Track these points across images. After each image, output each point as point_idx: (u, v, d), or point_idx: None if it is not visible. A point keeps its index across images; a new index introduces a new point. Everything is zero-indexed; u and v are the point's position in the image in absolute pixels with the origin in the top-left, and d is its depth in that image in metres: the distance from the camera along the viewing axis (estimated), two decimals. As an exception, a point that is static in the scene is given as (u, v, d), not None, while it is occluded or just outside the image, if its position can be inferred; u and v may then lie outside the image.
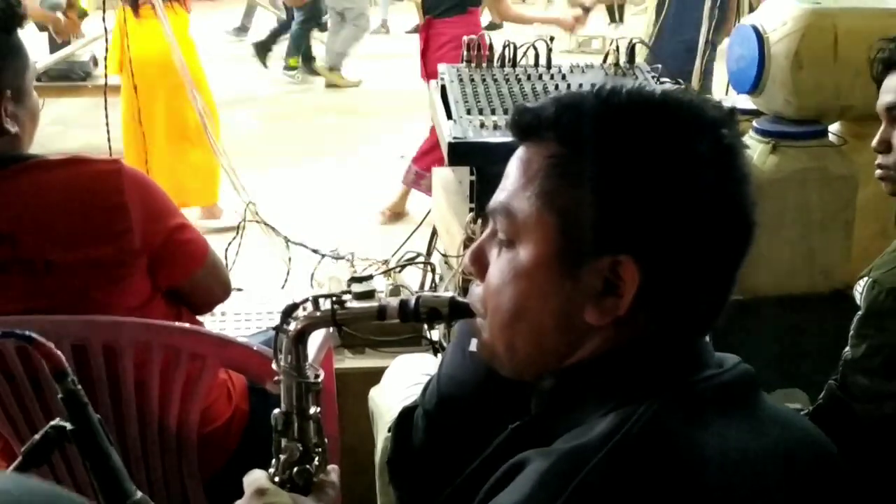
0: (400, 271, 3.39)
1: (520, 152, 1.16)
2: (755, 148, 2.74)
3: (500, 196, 1.16)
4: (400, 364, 2.29)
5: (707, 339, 1.17)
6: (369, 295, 3.24)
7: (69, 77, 6.57)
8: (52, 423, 1.28)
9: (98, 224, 1.90)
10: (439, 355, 3.07)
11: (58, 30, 6.20)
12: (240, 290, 3.01)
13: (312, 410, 1.35)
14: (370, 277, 3.26)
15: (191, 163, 5.67)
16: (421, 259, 3.40)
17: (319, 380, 1.36)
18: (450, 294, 1.32)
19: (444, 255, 3.11)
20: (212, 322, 2.71)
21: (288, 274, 3.75)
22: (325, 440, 1.37)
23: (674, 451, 1.03)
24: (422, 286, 3.39)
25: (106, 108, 4.02)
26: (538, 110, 1.14)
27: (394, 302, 1.34)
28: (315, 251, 3.61)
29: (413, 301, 1.31)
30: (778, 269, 2.70)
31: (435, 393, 1.48)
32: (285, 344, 1.34)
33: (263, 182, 6.08)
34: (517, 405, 1.22)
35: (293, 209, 5.69)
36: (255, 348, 2.01)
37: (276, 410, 1.35)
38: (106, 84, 4.22)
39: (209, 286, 2.17)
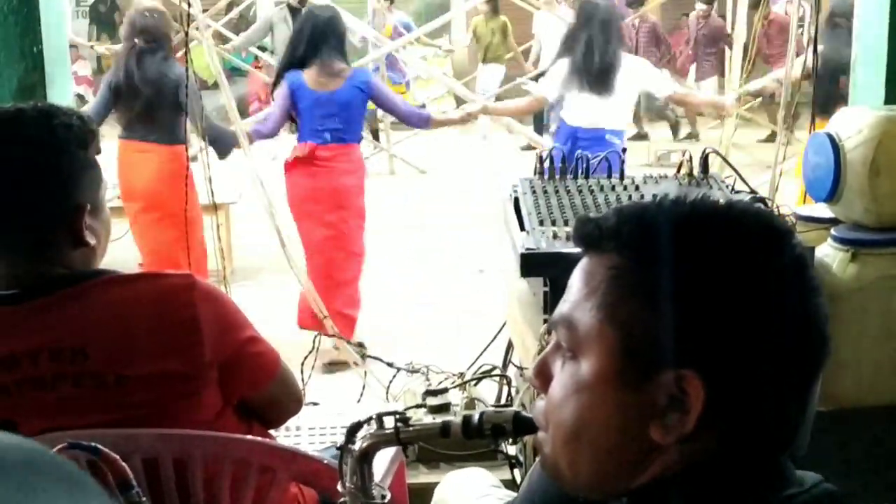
0: (476, 384, 3.37)
1: (583, 263, 1.14)
2: (834, 256, 2.70)
3: (562, 308, 1.15)
4: (455, 480, 2.23)
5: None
6: (444, 408, 3.23)
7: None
8: (119, 535, 1.28)
9: (169, 338, 1.92)
10: (516, 471, 3.03)
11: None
12: (315, 403, 3.01)
13: None
14: (445, 391, 3.27)
15: None
16: (497, 372, 3.37)
17: (386, 500, 1.33)
18: (514, 409, 1.30)
19: (520, 368, 3.08)
20: (286, 436, 2.70)
21: (363, 388, 3.74)
22: None
23: None
24: (498, 399, 3.36)
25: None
26: (600, 221, 1.12)
27: (457, 419, 1.31)
28: (390, 364, 3.61)
29: (477, 417, 1.29)
30: (862, 379, 2.63)
31: None
32: (350, 464, 1.32)
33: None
34: None
35: (368, 321, 5.69)
36: (325, 461, 1.99)
37: None
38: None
39: (280, 399, 2.16)
